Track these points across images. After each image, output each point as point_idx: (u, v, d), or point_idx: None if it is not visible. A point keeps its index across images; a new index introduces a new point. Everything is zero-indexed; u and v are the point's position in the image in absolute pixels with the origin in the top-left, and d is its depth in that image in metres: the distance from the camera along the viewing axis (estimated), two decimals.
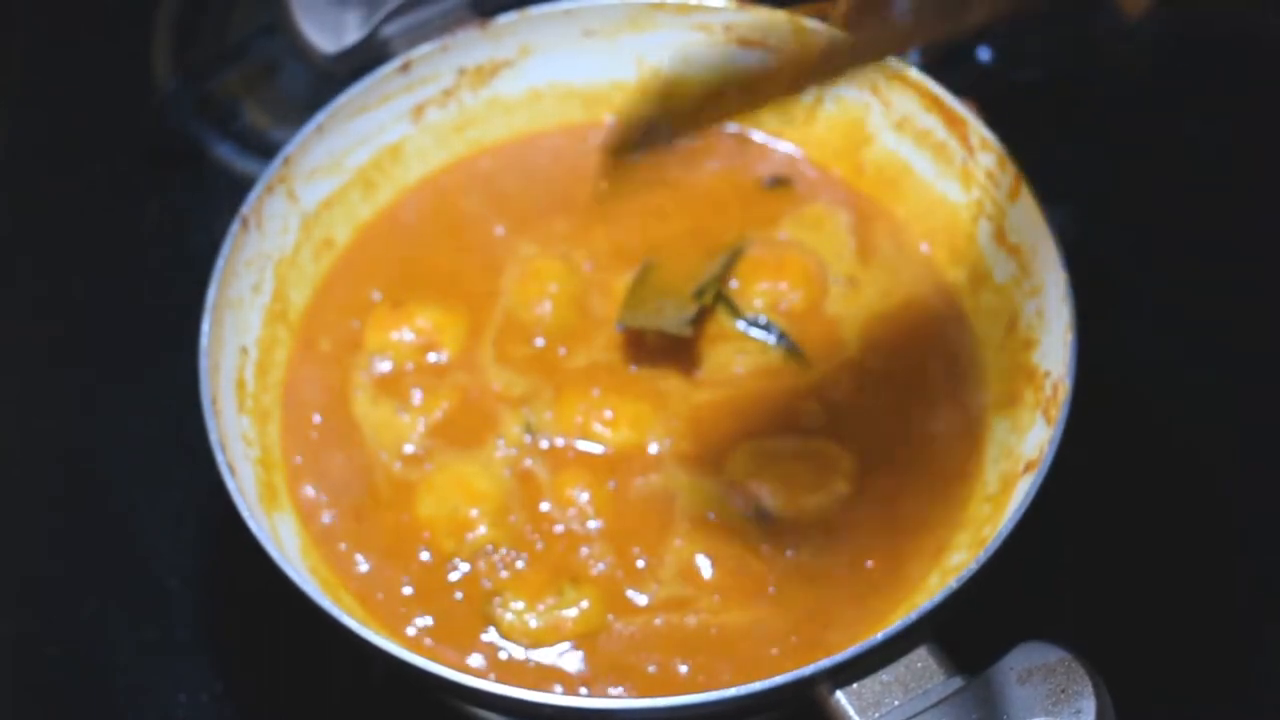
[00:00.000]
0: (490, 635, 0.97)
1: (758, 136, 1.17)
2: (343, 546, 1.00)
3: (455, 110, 1.15)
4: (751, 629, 0.97)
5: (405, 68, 1.12)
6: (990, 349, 1.06)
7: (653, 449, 1.03)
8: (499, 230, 1.13)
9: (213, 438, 0.96)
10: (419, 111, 1.14)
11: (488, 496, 1.01)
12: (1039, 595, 1.05)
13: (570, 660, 0.96)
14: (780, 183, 1.14)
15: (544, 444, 1.03)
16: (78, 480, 1.11)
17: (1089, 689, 0.84)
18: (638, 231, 1.12)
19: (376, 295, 1.09)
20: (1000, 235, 1.06)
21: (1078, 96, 1.26)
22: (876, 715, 0.87)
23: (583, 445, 1.03)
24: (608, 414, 1.04)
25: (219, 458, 0.95)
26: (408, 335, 1.07)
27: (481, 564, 0.99)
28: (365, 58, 1.14)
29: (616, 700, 0.94)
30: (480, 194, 1.15)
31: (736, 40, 1.15)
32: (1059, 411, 0.95)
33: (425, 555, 1.00)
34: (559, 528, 1.00)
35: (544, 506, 1.01)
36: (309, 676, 1.02)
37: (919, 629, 0.89)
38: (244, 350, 1.04)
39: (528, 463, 1.03)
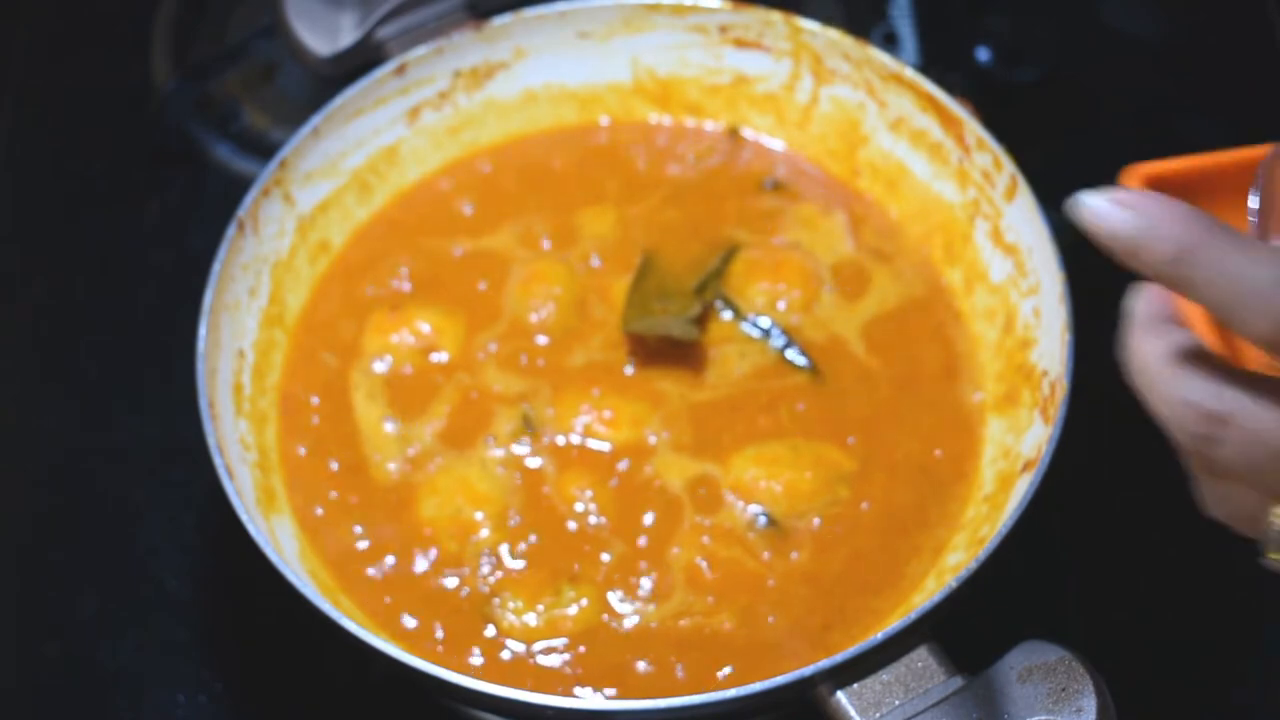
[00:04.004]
0: (490, 636, 0.97)
1: (753, 136, 1.17)
2: (341, 549, 1.00)
3: (450, 112, 1.15)
4: (751, 629, 0.97)
5: (400, 70, 1.12)
6: (987, 349, 1.06)
7: (653, 449, 1.03)
8: (495, 233, 1.13)
9: (210, 441, 0.96)
10: (414, 114, 1.14)
11: (488, 498, 1.01)
12: (1038, 594, 1.05)
13: (568, 660, 0.96)
14: (777, 183, 1.14)
15: (544, 445, 1.03)
16: (77, 481, 1.11)
17: (1089, 687, 0.84)
18: (634, 231, 1.12)
19: (374, 299, 1.09)
20: (997, 235, 1.06)
21: (1076, 96, 1.26)
22: (877, 715, 0.87)
23: (583, 446, 1.03)
24: (608, 414, 1.04)
25: (217, 461, 0.95)
26: (407, 338, 1.07)
27: (481, 564, 0.99)
28: (360, 60, 1.14)
29: (616, 702, 0.94)
30: (476, 196, 1.15)
31: (733, 42, 1.15)
32: (1057, 411, 0.95)
33: (425, 556, 1.00)
34: (558, 528, 1.00)
35: (544, 507, 1.01)
36: (308, 678, 1.03)
37: (919, 629, 0.89)
38: (241, 354, 1.04)
39: (528, 464, 1.03)
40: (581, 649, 0.96)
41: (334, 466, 1.03)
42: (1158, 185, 0.68)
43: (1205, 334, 0.67)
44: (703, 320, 1.08)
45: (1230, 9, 1.29)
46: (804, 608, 0.97)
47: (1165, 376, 0.65)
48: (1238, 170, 0.72)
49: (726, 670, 0.96)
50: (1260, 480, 0.65)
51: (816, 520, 1.00)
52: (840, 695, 0.88)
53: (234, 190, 1.08)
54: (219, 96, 1.29)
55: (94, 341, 1.18)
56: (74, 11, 1.34)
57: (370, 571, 0.99)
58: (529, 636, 0.97)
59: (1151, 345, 0.66)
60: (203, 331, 1.00)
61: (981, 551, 0.91)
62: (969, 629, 0.91)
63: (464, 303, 1.09)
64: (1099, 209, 0.64)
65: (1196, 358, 0.65)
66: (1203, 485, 0.69)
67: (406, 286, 1.10)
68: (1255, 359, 0.66)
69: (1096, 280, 1.05)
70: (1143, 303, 0.68)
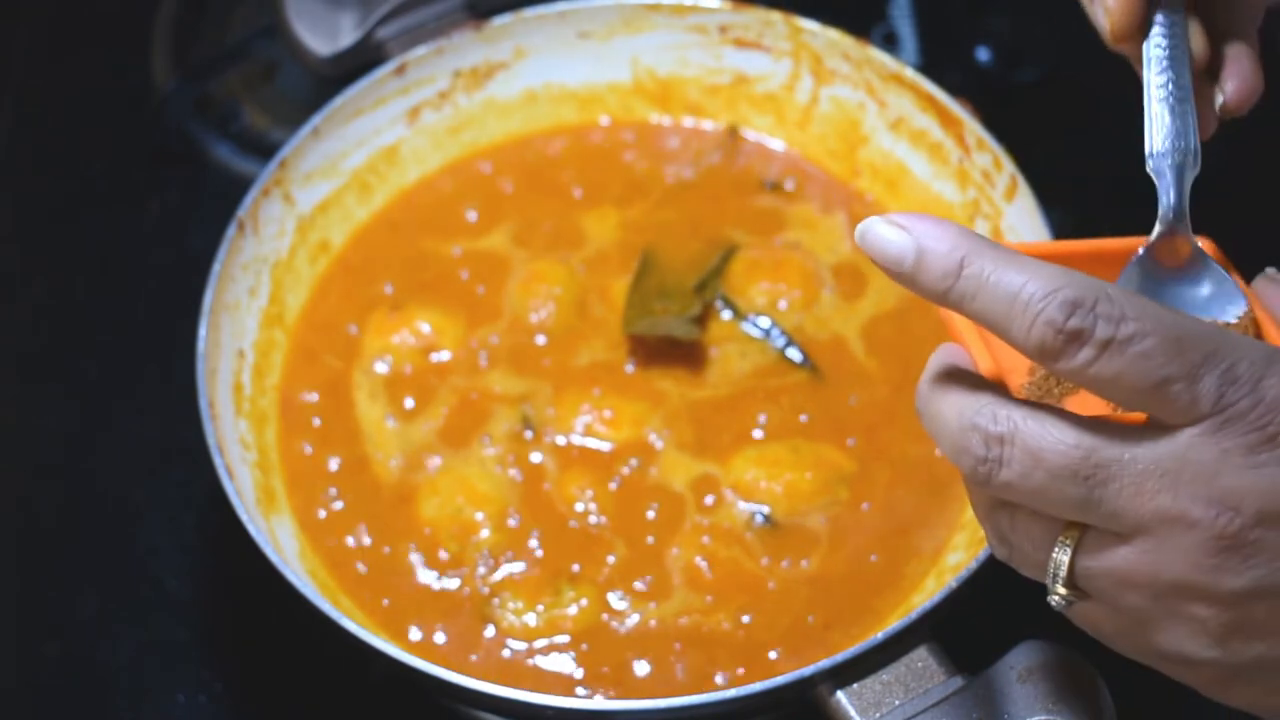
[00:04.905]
0: (490, 636, 0.97)
1: (753, 136, 1.17)
2: (341, 549, 1.00)
3: (450, 112, 1.15)
4: (751, 629, 0.97)
5: (400, 70, 1.12)
6: None
7: (653, 449, 1.03)
8: (495, 232, 1.13)
9: (210, 441, 0.96)
10: (414, 114, 1.14)
11: (488, 498, 1.01)
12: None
13: (568, 661, 0.96)
14: (776, 183, 1.14)
15: (545, 445, 1.03)
16: (77, 481, 1.11)
17: (1089, 687, 0.84)
18: (634, 231, 1.12)
19: (374, 299, 1.09)
20: (997, 235, 1.06)
21: (1076, 96, 1.26)
22: (877, 715, 0.87)
23: (583, 446, 1.03)
24: (608, 414, 1.04)
25: (217, 461, 0.95)
26: (407, 338, 1.07)
27: (481, 565, 0.99)
28: (360, 60, 1.14)
29: (616, 701, 0.94)
30: (476, 196, 1.15)
31: (733, 42, 1.15)
32: None
33: (424, 556, 1.00)
34: (559, 528, 1.00)
35: (544, 507, 1.01)
36: (308, 678, 1.02)
37: (919, 629, 0.89)
38: (241, 354, 1.04)
39: (528, 463, 1.03)
40: (582, 649, 0.96)
41: (334, 466, 1.03)
42: None
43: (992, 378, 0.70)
44: (703, 319, 1.08)
45: None
46: (804, 608, 0.98)
47: (949, 405, 0.67)
48: (1084, 260, 0.75)
49: (726, 670, 0.95)
50: (1044, 503, 0.66)
51: (816, 520, 1.00)
52: (840, 695, 0.88)
53: (234, 190, 1.08)
54: (219, 96, 1.29)
55: (94, 341, 1.18)
56: (74, 11, 1.34)
57: (370, 571, 0.99)
58: (529, 636, 0.97)
59: (939, 382, 0.68)
60: (203, 331, 1.00)
61: (981, 551, 0.91)
62: (969, 629, 0.91)
63: (464, 303, 1.09)
64: (876, 232, 0.66)
65: (978, 386, 0.68)
66: (989, 524, 0.70)
67: (407, 287, 1.10)
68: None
69: None
70: (936, 355, 0.71)
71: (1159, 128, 0.80)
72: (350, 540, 1.00)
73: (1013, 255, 0.64)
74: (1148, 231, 0.79)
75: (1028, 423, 0.65)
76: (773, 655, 0.96)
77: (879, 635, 0.88)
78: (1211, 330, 0.64)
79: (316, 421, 1.05)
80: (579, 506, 1.01)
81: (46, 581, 1.08)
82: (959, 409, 0.67)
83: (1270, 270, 0.77)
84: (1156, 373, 0.63)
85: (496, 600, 0.98)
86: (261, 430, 1.03)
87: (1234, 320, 0.75)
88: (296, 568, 0.96)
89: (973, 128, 1.07)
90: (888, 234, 0.66)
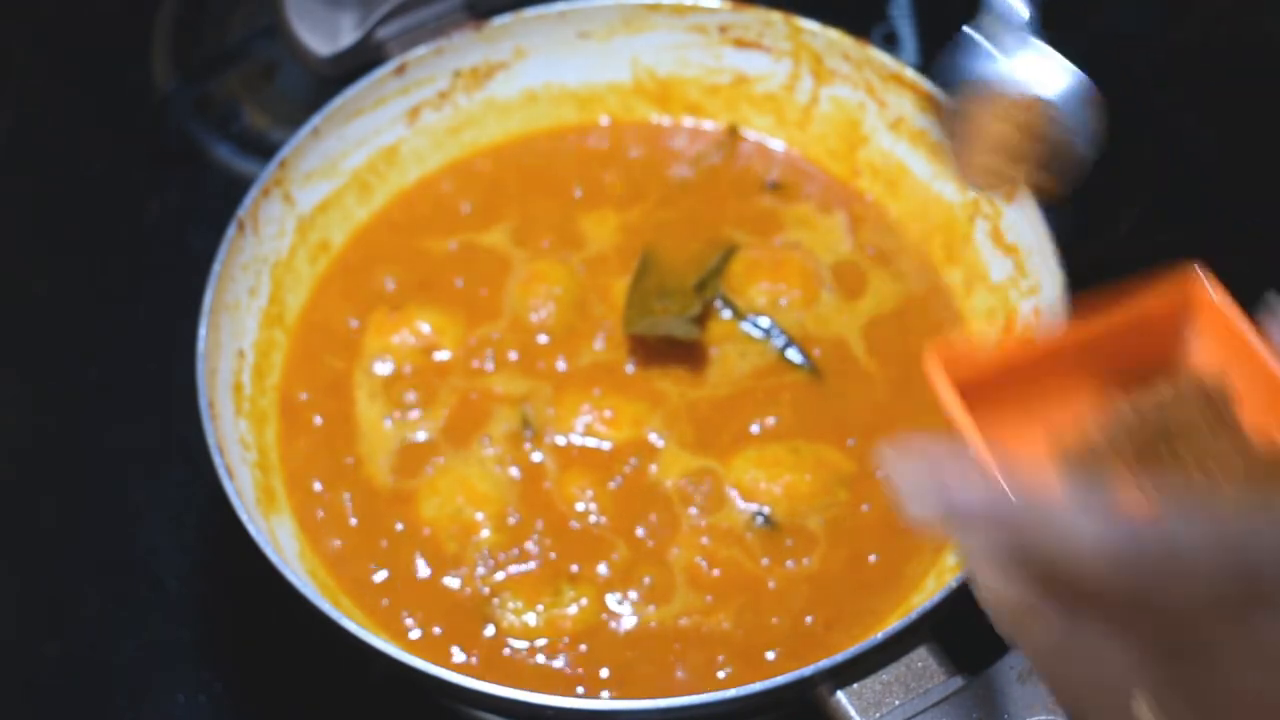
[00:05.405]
0: (490, 636, 0.97)
1: (753, 136, 1.17)
2: (341, 549, 1.00)
3: (450, 112, 1.16)
4: (751, 629, 0.97)
5: (400, 70, 1.13)
6: None
7: (654, 449, 1.03)
8: (495, 232, 1.13)
9: (211, 441, 0.96)
10: (414, 114, 1.14)
11: (488, 498, 1.01)
12: None
13: (568, 660, 0.96)
14: (777, 183, 1.15)
15: (545, 445, 1.03)
16: (77, 481, 1.11)
17: None
18: (634, 231, 1.12)
19: (374, 299, 1.09)
20: (997, 235, 1.06)
21: None
22: (877, 715, 0.87)
23: (583, 446, 1.03)
24: (608, 414, 1.04)
25: (217, 461, 0.95)
26: (408, 338, 1.07)
27: (480, 565, 0.99)
28: (360, 60, 1.14)
29: (616, 701, 0.94)
30: (476, 196, 1.15)
31: (733, 42, 1.15)
32: None
33: (424, 556, 1.00)
34: (559, 528, 1.00)
35: (544, 507, 1.01)
36: (308, 678, 1.02)
37: (919, 629, 0.89)
38: (241, 354, 1.04)
39: (528, 463, 1.03)
40: (581, 649, 0.96)
41: (334, 466, 1.03)
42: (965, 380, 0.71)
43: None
44: (703, 319, 1.08)
45: (1230, 9, 1.29)
46: (804, 608, 0.98)
47: (1000, 589, 0.66)
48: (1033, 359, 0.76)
49: (726, 670, 0.95)
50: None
51: (816, 520, 1.00)
52: (840, 695, 0.88)
53: (234, 190, 1.08)
54: (219, 96, 1.29)
55: (94, 341, 1.18)
56: (74, 11, 1.34)
57: (370, 571, 0.99)
58: (529, 636, 0.97)
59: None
60: (203, 331, 1.00)
61: None
62: (969, 629, 0.91)
63: (464, 303, 1.09)
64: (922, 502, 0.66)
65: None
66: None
67: (407, 287, 1.10)
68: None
69: (1096, 280, 1.05)
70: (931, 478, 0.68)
71: None
72: (350, 540, 1.00)
73: (1053, 500, 0.63)
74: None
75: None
76: (772, 655, 0.96)
77: (879, 635, 0.88)
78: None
79: (317, 421, 1.05)
80: (579, 506, 1.01)
81: (46, 581, 1.08)
82: (1016, 596, 0.65)
83: (1270, 296, 0.76)
84: None
85: (496, 600, 0.98)
86: (261, 430, 1.03)
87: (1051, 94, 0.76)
88: (296, 568, 0.96)
89: None
90: (932, 508, 0.66)
